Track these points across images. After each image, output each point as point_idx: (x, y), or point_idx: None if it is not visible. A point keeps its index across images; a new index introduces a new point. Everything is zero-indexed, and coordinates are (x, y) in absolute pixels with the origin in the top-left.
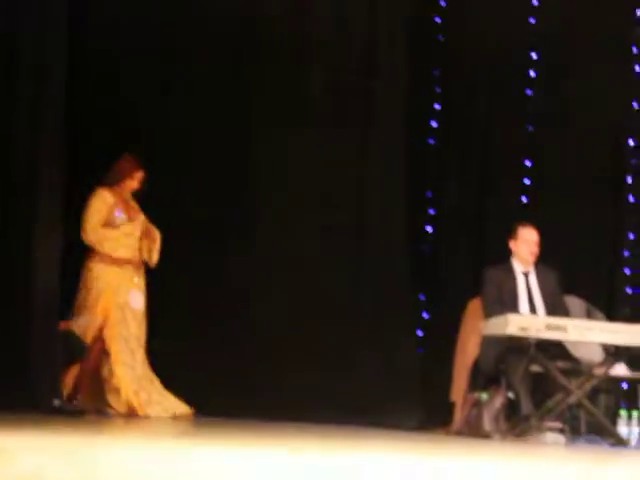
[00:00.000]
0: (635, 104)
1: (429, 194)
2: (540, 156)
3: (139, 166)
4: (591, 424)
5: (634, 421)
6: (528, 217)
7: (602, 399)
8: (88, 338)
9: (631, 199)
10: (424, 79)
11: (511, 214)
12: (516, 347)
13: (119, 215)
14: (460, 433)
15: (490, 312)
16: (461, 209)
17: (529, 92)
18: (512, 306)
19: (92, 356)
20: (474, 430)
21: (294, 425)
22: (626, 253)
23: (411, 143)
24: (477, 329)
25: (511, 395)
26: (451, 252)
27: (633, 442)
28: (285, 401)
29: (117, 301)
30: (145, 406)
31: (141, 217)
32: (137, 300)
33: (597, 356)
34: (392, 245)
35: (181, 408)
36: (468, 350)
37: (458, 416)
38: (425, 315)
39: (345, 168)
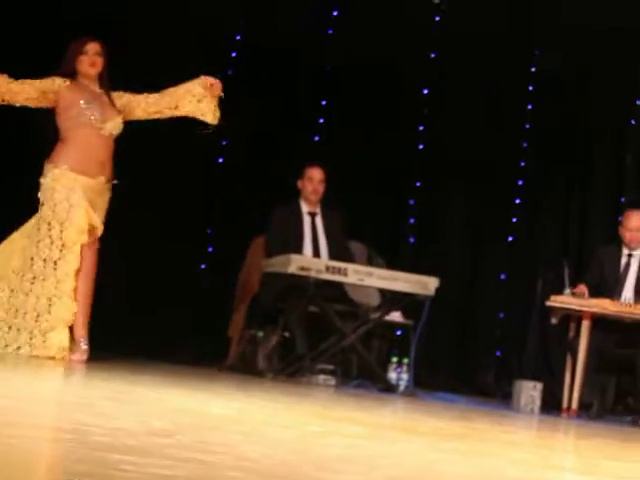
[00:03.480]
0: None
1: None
2: (335, 96)
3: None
4: (363, 368)
5: (404, 368)
6: (318, 158)
7: (375, 344)
8: None
9: (420, 147)
10: None
11: (305, 154)
12: (296, 287)
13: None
14: (233, 369)
15: (273, 250)
16: (248, 146)
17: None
18: (296, 246)
19: None
20: (248, 367)
21: None
22: (411, 202)
23: None
24: (259, 266)
25: (287, 334)
26: (240, 188)
27: (401, 388)
28: None
29: None
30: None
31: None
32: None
33: (374, 301)
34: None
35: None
36: (248, 286)
37: (233, 352)
38: (210, 249)
39: None
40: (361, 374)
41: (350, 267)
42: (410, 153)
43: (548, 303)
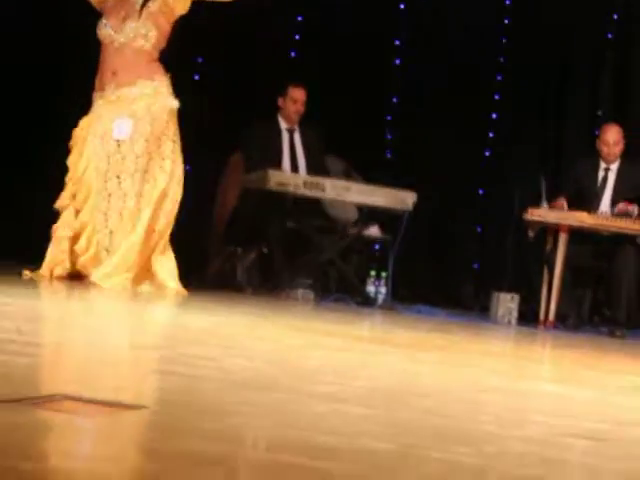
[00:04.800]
0: None
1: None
2: (312, 12)
3: None
4: (341, 282)
5: (382, 281)
6: (297, 75)
7: (353, 259)
8: None
9: (397, 61)
10: None
11: (280, 71)
12: (274, 202)
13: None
14: (212, 284)
15: (252, 166)
16: (224, 62)
17: None
18: (274, 162)
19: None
20: (227, 282)
21: None
22: (389, 117)
23: None
24: (237, 183)
25: (265, 250)
26: (214, 107)
27: (379, 301)
28: None
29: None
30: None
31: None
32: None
33: (352, 216)
34: None
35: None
36: (227, 203)
37: (212, 268)
38: (188, 168)
39: None
40: (339, 288)
41: (328, 182)
42: (387, 69)
43: (525, 216)
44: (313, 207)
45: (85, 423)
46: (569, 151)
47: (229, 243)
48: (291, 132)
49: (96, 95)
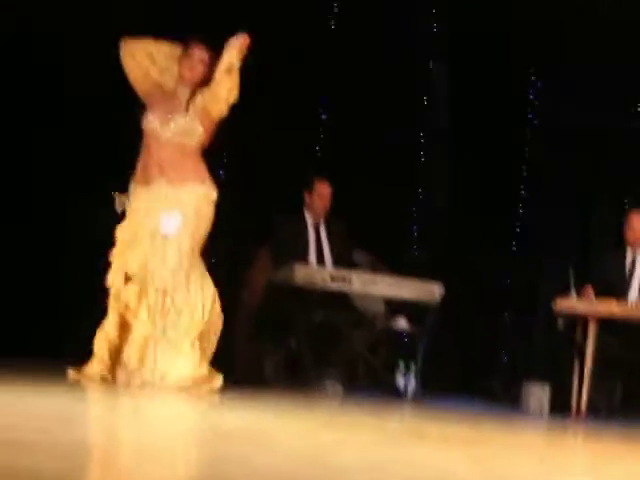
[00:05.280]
0: None
1: None
2: (338, 109)
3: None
4: (370, 376)
5: (411, 373)
6: (323, 170)
7: (382, 352)
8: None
9: (422, 158)
10: None
11: (306, 166)
12: (301, 297)
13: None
14: (240, 382)
15: (279, 261)
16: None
17: None
18: (301, 257)
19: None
20: (255, 380)
21: None
22: (413, 211)
23: None
24: (265, 277)
25: (293, 345)
26: (241, 202)
27: (409, 393)
28: None
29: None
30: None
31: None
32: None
33: (379, 309)
34: None
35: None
36: (254, 298)
37: (240, 365)
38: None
39: None
40: (369, 382)
41: (354, 275)
42: (413, 164)
43: (555, 307)
44: (340, 300)
45: None
46: (597, 241)
47: (256, 339)
48: (317, 226)
49: (139, 187)
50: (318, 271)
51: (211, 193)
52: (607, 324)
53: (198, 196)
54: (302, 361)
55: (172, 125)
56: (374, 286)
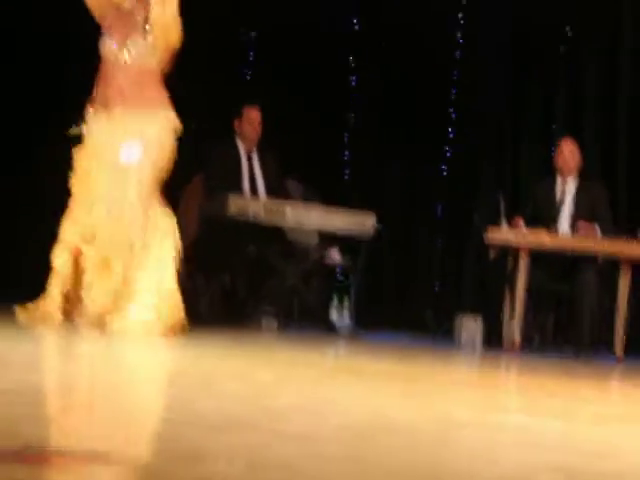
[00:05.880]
0: None
1: None
2: (262, 31)
3: None
4: (304, 309)
5: (345, 308)
6: (253, 96)
7: (316, 285)
8: None
9: (353, 82)
10: None
11: (235, 93)
12: (235, 229)
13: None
14: None
15: (213, 190)
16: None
17: None
18: (235, 185)
19: None
20: (190, 314)
21: None
22: (346, 137)
23: None
24: (196, 208)
25: (227, 280)
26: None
27: (343, 328)
28: None
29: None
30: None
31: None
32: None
33: (313, 240)
34: None
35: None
36: (187, 231)
37: None
38: None
39: None
40: (303, 316)
41: (288, 207)
42: (343, 88)
43: (486, 238)
44: (273, 232)
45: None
46: (526, 169)
47: (190, 273)
48: (250, 155)
49: (98, 111)
50: (252, 203)
51: (174, 120)
52: (538, 254)
53: (160, 123)
54: (237, 296)
55: (131, 48)
56: (307, 218)
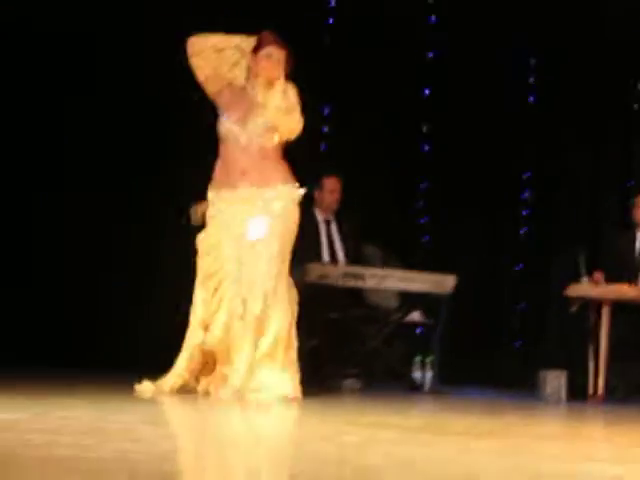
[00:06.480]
0: None
1: None
2: (340, 103)
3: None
4: (387, 369)
5: (427, 366)
6: (330, 166)
7: (397, 345)
8: None
9: (426, 147)
10: None
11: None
12: (315, 295)
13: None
14: None
15: (291, 260)
16: None
17: None
18: (314, 254)
19: None
20: None
21: None
22: (420, 204)
23: None
24: None
25: (311, 344)
26: None
27: (427, 386)
28: None
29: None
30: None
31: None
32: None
33: (393, 303)
34: None
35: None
36: None
37: None
38: None
39: None
40: (385, 376)
41: (367, 271)
42: (415, 155)
43: (566, 293)
44: (353, 297)
45: None
46: (604, 223)
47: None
48: (327, 222)
49: (222, 192)
50: (331, 269)
51: (297, 193)
52: (619, 307)
53: (285, 198)
54: (319, 359)
55: (250, 126)
56: (386, 281)
